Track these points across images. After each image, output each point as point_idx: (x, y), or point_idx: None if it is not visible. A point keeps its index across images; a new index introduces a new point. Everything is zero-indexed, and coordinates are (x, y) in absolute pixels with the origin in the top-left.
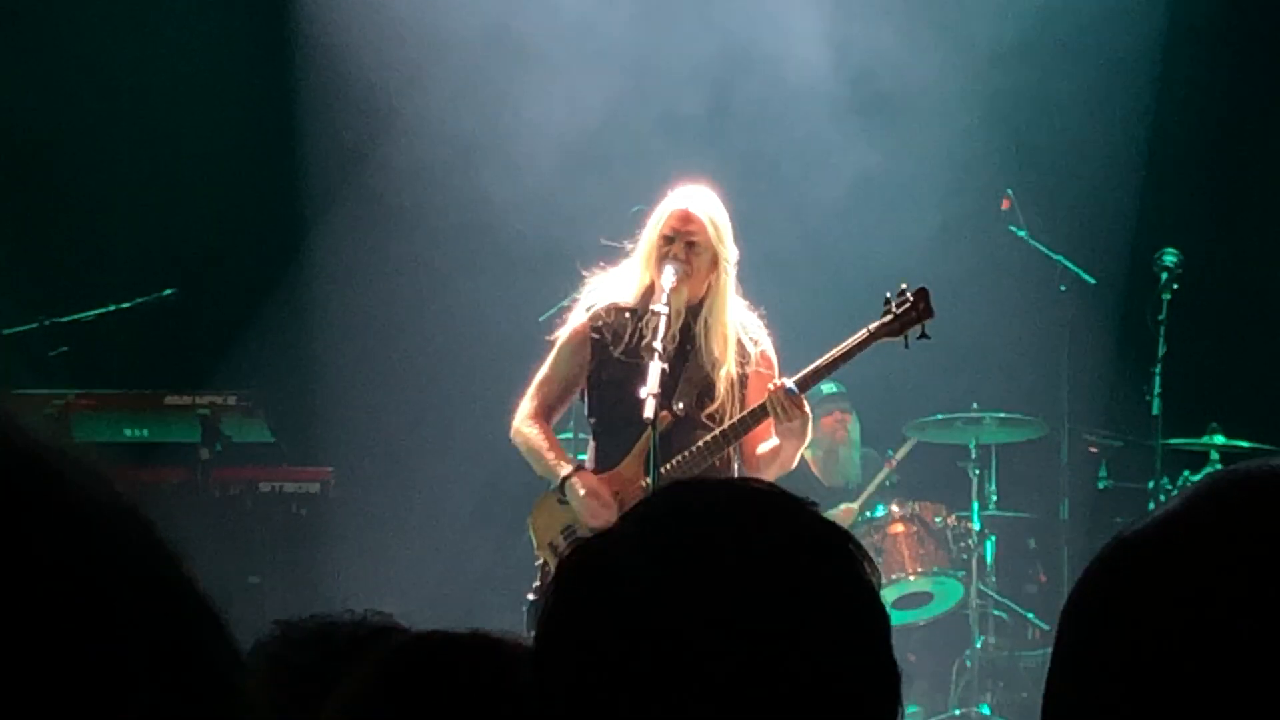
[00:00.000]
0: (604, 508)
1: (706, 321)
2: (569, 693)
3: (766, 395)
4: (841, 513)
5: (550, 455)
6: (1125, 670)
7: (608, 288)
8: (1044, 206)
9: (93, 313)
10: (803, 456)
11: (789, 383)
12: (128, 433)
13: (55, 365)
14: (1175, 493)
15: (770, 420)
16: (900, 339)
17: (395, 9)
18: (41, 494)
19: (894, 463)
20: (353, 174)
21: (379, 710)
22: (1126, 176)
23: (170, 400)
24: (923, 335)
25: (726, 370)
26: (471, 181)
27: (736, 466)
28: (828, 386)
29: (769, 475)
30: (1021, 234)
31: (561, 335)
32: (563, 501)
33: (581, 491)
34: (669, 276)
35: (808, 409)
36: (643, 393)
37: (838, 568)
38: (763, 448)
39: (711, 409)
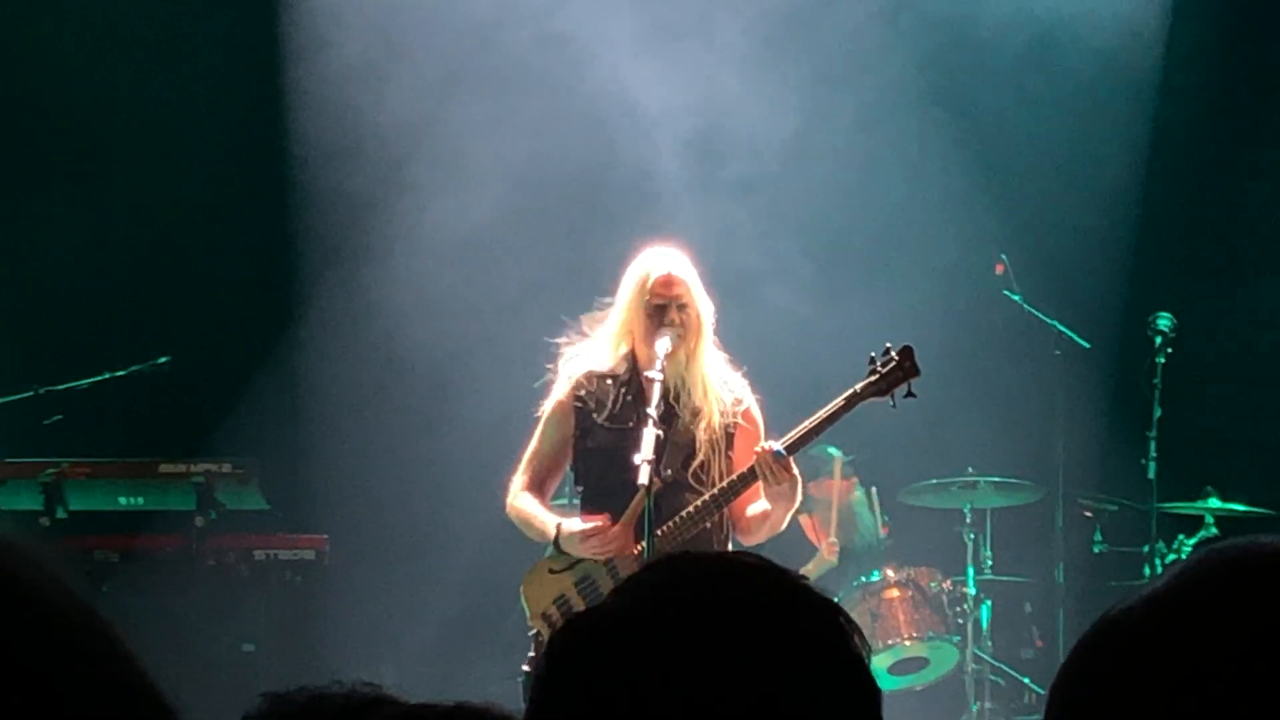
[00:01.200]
0: (605, 541)
1: (693, 381)
2: None
3: (755, 459)
4: (825, 548)
5: (541, 515)
6: None
7: (586, 356)
8: (1038, 271)
9: (87, 381)
10: (800, 522)
11: (777, 446)
12: (123, 501)
13: (50, 433)
14: (1170, 558)
15: (759, 483)
16: (887, 398)
17: (393, 74)
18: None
19: (888, 528)
20: (347, 244)
21: None
22: (1120, 241)
23: (165, 468)
24: (909, 394)
25: (714, 426)
26: (470, 249)
27: (728, 529)
28: (834, 451)
29: (760, 537)
30: (1016, 298)
31: (546, 408)
32: (554, 572)
33: (577, 535)
34: (664, 344)
35: (796, 471)
36: (637, 459)
37: (829, 640)
38: (753, 510)
39: (700, 468)
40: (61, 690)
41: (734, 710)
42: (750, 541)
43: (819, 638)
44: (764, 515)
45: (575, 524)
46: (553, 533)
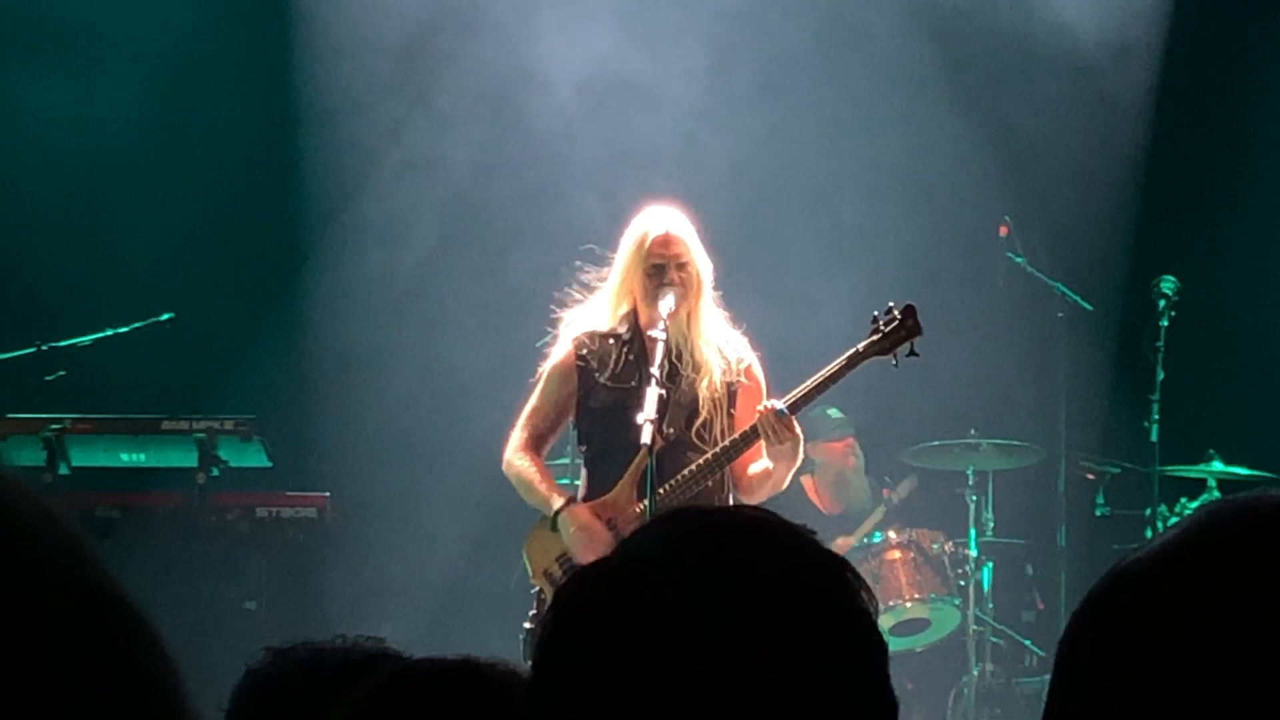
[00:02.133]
0: (597, 542)
1: (694, 339)
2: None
3: (757, 417)
4: (837, 546)
5: (541, 488)
6: (1121, 702)
7: (587, 316)
8: (1042, 233)
9: (90, 337)
10: (802, 483)
11: (779, 404)
12: (125, 457)
13: (52, 389)
14: (1172, 521)
15: (761, 442)
16: (890, 357)
17: (396, 32)
18: None
19: (891, 495)
20: (351, 198)
21: None
22: (1124, 203)
23: (167, 425)
24: (912, 353)
25: (715, 384)
26: (471, 207)
27: (729, 488)
28: (834, 413)
29: (761, 496)
30: (1019, 261)
31: (547, 365)
32: (556, 530)
33: (573, 528)
34: (667, 304)
35: (798, 430)
36: (639, 418)
37: (835, 595)
38: (754, 469)
39: (702, 426)
40: (50, 623)
41: (739, 663)
42: (752, 500)
43: (825, 591)
44: (766, 474)
45: (577, 514)
46: (552, 510)
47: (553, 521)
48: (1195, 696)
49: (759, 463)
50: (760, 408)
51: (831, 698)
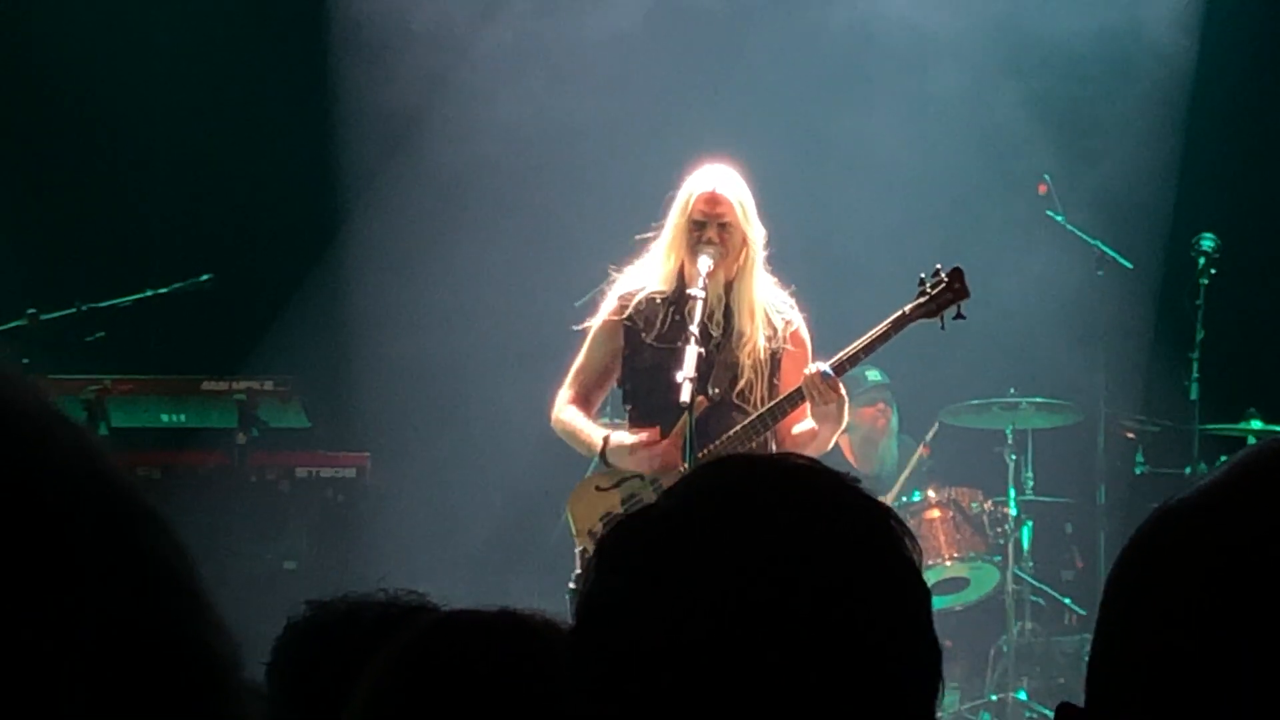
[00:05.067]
0: (653, 454)
1: (737, 302)
2: (610, 668)
3: (803, 379)
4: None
5: (585, 431)
6: (1169, 637)
7: (636, 275)
8: (1081, 191)
9: (130, 298)
10: (838, 442)
11: (825, 366)
12: (165, 418)
13: (93, 350)
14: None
15: (806, 403)
16: (936, 320)
17: None
18: None
19: (928, 448)
20: (391, 158)
21: (408, 687)
22: (1164, 161)
23: (207, 385)
24: (959, 315)
25: (758, 349)
26: (516, 165)
27: (773, 450)
28: (873, 375)
29: None
30: (1059, 219)
31: (594, 323)
32: (601, 489)
33: (626, 448)
34: (705, 262)
35: (844, 392)
36: (679, 377)
37: (880, 542)
38: (799, 429)
39: (745, 389)
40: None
41: (783, 609)
42: None
43: (870, 538)
44: (810, 434)
45: (624, 436)
46: (600, 445)
47: (602, 456)
48: (1244, 627)
49: (804, 424)
50: (807, 371)
51: (878, 643)
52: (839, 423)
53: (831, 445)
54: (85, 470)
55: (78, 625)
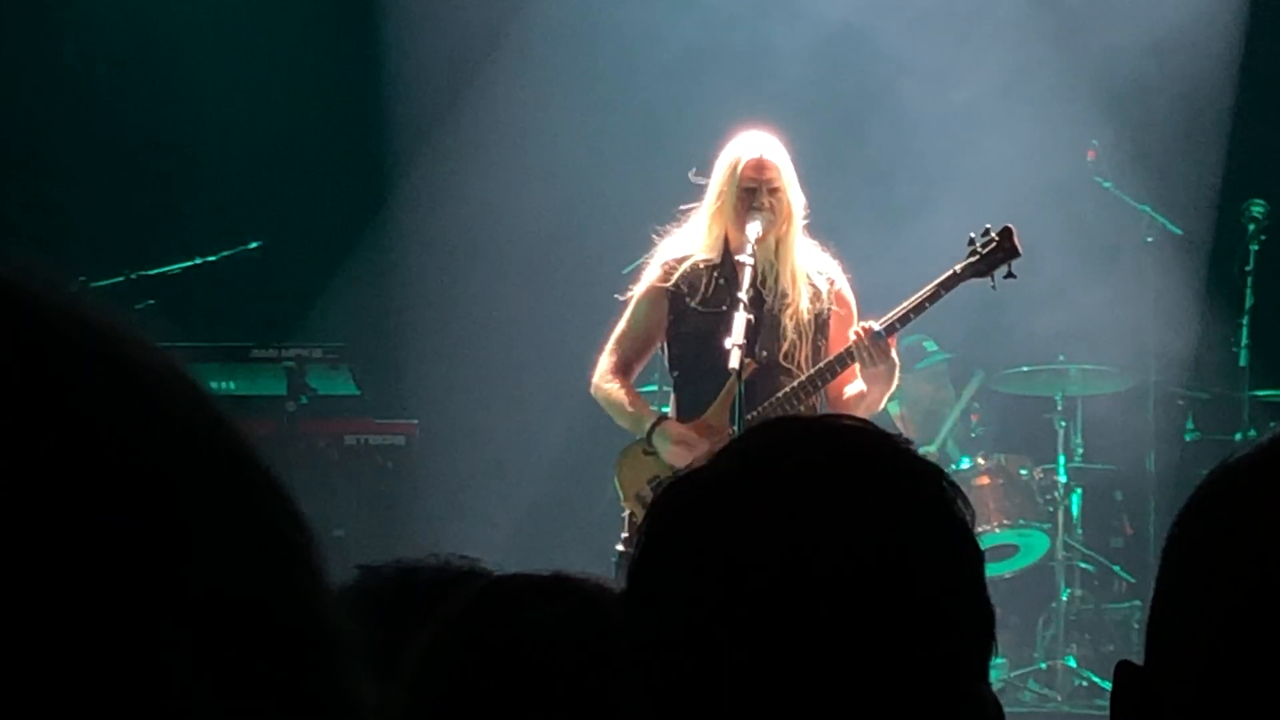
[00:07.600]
0: (696, 455)
1: (782, 266)
2: (664, 629)
3: (852, 340)
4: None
5: (633, 408)
6: (1233, 593)
7: (680, 241)
8: (1130, 157)
9: (178, 266)
10: (887, 411)
11: (876, 326)
12: (214, 385)
13: (141, 318)
14: None
15: (855, 365)
16: (987, 279)
17: None
18: (82, 351)
19: (977, 414)
20: (442, 123)
21: (462, 652)
22: (1214, 126)
23: (256, 353)
24: (1009, 275)
25: (801, 311)
26: (566, 130)
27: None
28: (930, 346)
29: None
30: (1107, 185)
31: (637, 290)
32: (648, 453)
33: (671, 441)
34: (755, 228)
35: (893, 353)
36: (727, 343)
37: (933, 502)
38: (849, 391)
39: (790, 351)
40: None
41: (835, 569)
42: None
43: (922, 498)
44: (860, 396)
45: (673, 428)
46: (648, 427)
47: (648, 438)
48: None
49: (853, 385)
50: (855, 330)
51: (931, 602)
52: (889, 384)
53: (881, 407)
54: (205, 432)
55: (185, 597)
